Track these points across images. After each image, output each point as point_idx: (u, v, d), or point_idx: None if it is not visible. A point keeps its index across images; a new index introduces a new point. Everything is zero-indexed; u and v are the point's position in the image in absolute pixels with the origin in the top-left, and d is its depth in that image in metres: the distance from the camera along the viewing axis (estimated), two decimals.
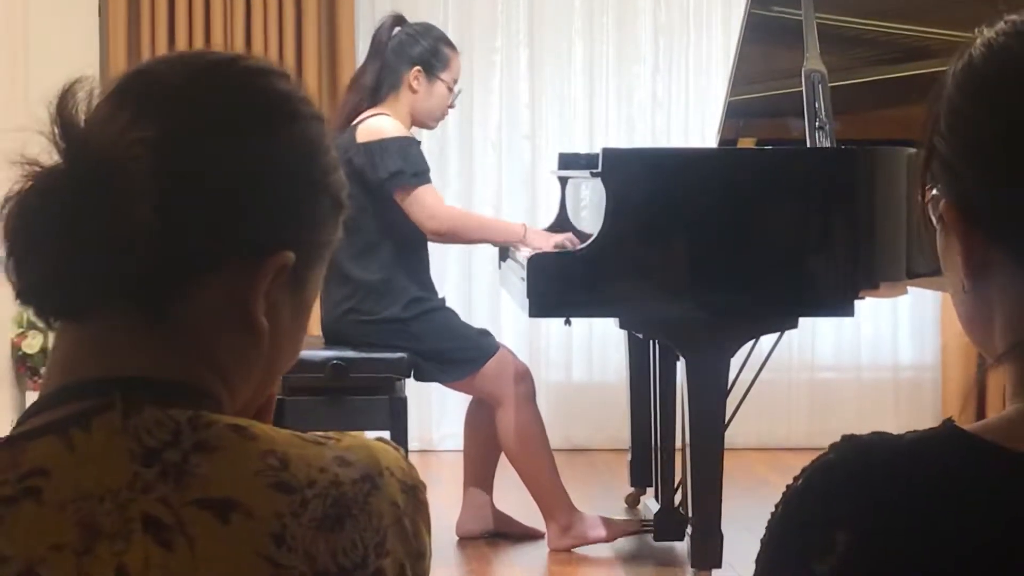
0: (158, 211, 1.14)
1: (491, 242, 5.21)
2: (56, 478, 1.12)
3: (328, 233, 1.28)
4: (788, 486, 1.14)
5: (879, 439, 1.12)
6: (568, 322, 5.09)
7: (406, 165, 4.83)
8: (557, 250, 4.66)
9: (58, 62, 5.65)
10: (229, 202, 1.19)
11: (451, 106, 5.09)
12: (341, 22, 6.57)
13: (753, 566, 1.15)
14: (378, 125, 4.89)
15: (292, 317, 1.26)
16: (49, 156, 1.15)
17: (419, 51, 4.97)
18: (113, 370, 1.17)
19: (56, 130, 1.15)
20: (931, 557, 1.06)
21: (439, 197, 4.97)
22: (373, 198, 4.82)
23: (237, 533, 1.12)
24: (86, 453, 1.13)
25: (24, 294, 1.16)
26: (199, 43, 6.41)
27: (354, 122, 4.92)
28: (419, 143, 4.98)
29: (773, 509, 1.14)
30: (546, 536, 5.01)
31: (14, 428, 1.18)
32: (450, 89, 5.02)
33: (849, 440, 1.12)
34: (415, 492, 1.22)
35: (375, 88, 4.98)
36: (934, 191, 1.18)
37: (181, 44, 6.39)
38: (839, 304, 4.35)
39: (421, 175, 4.86)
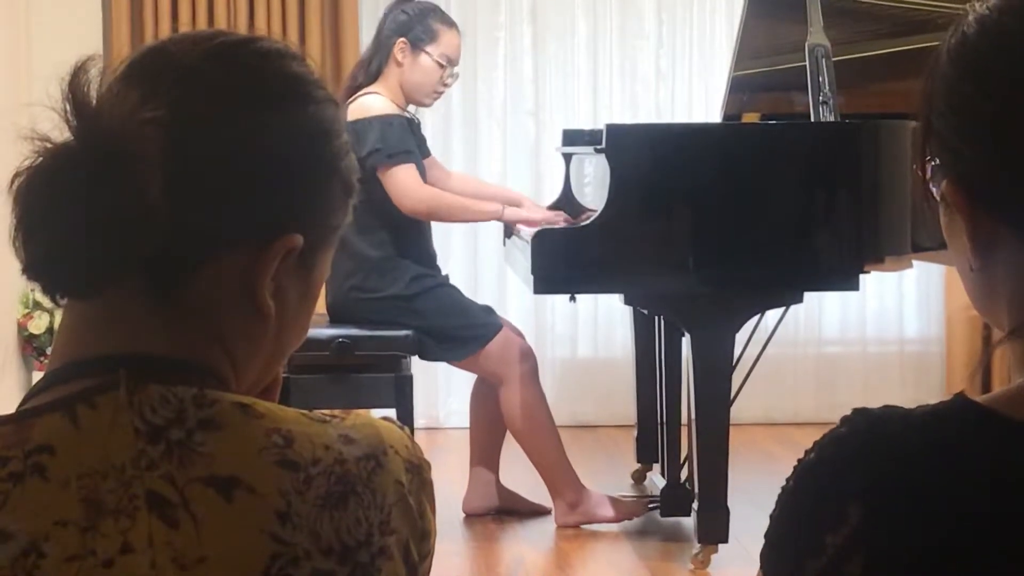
0: (169, 191, 1.14)
1: (471, 221, 5.30)
2: (61, 455, 1.13)
3: (338, 217, 1.28)
4: (799, 460, 1.14)
5: (891, 412, 1.12)
6: (573, 298, 5.09)
7: (383, 144, 4.82)
8: (544, 225, 4.68)
9: (61, 46, 5.64)
10: (239, 183, 1.19)
11: (446, 84, 5.06)
12: (345, 5, 6.55)
13: (760, 540, 1.15)
14: (366, 103, 4.89)
15: (299, 299, 1.26)
16: (60, 133, 1.15)
17: (406, 23, 4.97)
18: (119, 347, 1.18)
19: (68, 107, 1.15)
20: (943, 527, 1.06)
21: (416, 177, 4.90)
22: (363, 176, 4.81)
23: (241, 510, 1.12)
24: (91, 430, 1.13)
25: (31, 269, 1.16)
26: (202, 26, 6.39)
27: (347, 101, 4.92)
28: (407, 120, 4.94)
29: (784, 483, 1.14)
30: (553, 513, 5.01)
31: (21, 404, 1.18)
32: (441, 65, 4.99)
33: (861, 413, 1.12)
34: (420, 471, 1.22)
35: (368, 63, 5.00)
36: (933, 164, 1.17)
37: (184, 26, 6.37)
38: (844, 278, 4.35)
39: (398, 155, 4.84)
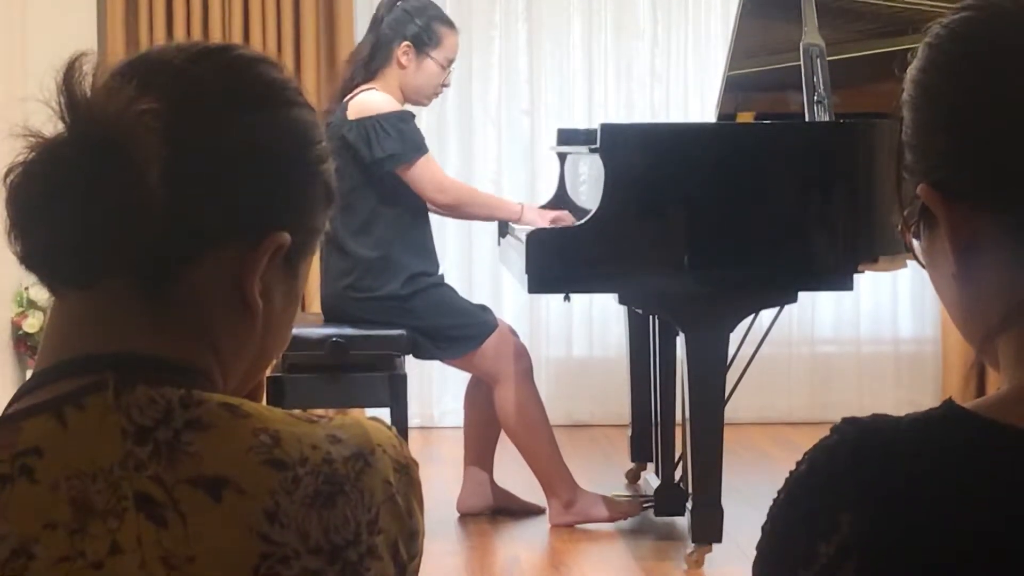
0: (166, 179, 1.14)
1: (491, 219, 5.24)
2: (49, 457, 1.13)
3: (320, 220, 1.29)
4: (791, 472, 1.14)
5: (880, 420, 1.12)
6: (567, 298, 5.08)
7: (404, 143, 4.82)
8: (554, 226, 4.68)
9: (56, 43, 5.64)
10: (232, 177, 1.21)
11: (445, 85, 5.07)
12: (339, 7, 6.54)
13: (754, 539, 1.15)
14: (369, 100, 4.88)
15: (283, 302, 1.27)
16: (54, 127, 1.15)
17: (411, 27, 4.96)
18: (107, 346, 1.18)
19: (62, 100, 1.15)
20: (934, 536, 1.06)
21: (440, 168, 4.98)
22: (368, 175, 4.82)
23: (229, 510, 1.12)
24: (79, 431, 1.14)
25: (29, 259, 1.16)
26: (197, 29, 6.40)
27: (346, 99, 4.91)
28: (413, 115, 4.97)
29: (776, 495, 1.14)
30: (547, 512, 5.01)
31: (9, 405, 1.18)
32: (442, 67, 5.00)
33: (850, 422, 1.12)
34: (408, 470, 1.23)
35: (368, 61, 4.98)
36: (912, 198, 1.18)
37: (179, 29, 6.37)
38: (838, 278, 4.35)
39: (420, 148, 4.86)
